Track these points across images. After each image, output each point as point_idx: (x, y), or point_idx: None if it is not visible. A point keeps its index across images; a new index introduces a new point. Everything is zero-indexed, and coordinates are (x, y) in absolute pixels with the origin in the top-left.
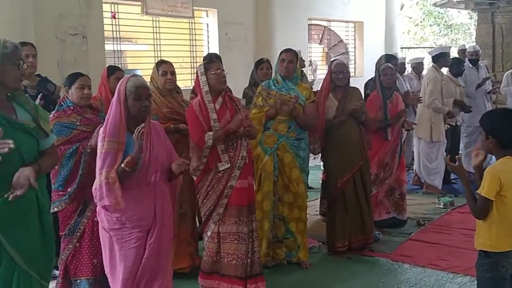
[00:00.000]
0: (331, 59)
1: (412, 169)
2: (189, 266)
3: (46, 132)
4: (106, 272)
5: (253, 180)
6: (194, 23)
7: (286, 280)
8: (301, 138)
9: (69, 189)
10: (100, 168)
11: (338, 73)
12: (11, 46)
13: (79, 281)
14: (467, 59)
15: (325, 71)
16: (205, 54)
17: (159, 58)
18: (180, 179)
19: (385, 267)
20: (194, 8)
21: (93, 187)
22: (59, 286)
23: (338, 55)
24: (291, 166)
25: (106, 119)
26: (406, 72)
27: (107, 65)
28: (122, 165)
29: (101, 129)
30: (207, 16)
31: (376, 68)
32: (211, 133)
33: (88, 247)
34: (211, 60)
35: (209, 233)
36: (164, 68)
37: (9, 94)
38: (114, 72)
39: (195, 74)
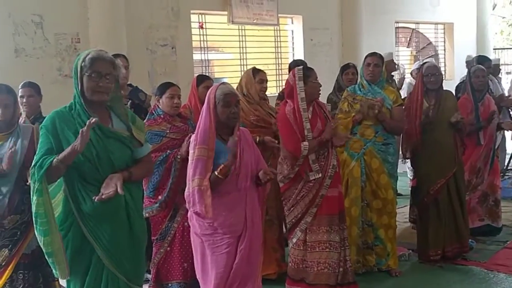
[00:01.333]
0: (421, 62)
1: (508, 175)
2: (275, 273)
3: (140, 141)
4: (197, 277)
5: (341, 187)
6: (279, 30)
7: None
8: (389, 143)
9: (159, 197)
10: (192, 174)
11: (430, 76)
12: (88, 60)
13: (170, 284)
14: None
15: (410, 75)
16: (290, 61)
17: (245, 66)
18: (267, 186)
19: (480, 276)
20: (279, 15)
21: (186, 193)
22: None
23: (427, 57)
24: (379, 171)
25: (197, 127)
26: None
27: (196, 75)
28: (216, 173)
29: (192, 136)
30: (292, 22)
31: (467, 69)
32: (306, 143)
33: (178, 251)
34: (309, 68)
35: (294, 240)
36: (261, 76)
37: (108, 104)
38: (203, 81)
39: (282, 80)
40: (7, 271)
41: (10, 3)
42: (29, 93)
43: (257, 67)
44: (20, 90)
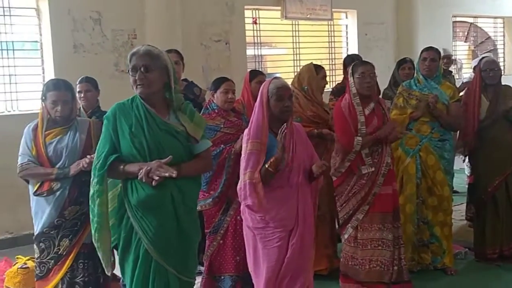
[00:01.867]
0: (479, 57)
1: None
2: (326, 268)
3: (195, 137)
4: (249, 270)
5: (396, 185)
6: (333, 25)
7: (432, 286)
8: (446, 139)
9: (212, 192)
10: (244, 168)
11: (489, 71)
12: (129, 56)
13: (223, 277)
14: None
15: (471, 70)
16: (344, 56)
17: (298, 62)
18: (320, 181)
19: None
20: (333, 10)
21: (238, 187)
22: (204, 281)
23: (486, 52)
24: (435, 168)
25: (250, 122)
26: None
27: (249, 70)
28: (266, 166)
29: (245, 131)
30: (346, 17)
31: None
32: (360, 138)
33: (231, 244)
34: (361, 63)
35: (346, 236)
36: (324, 72)
37: (167, 96)
38: (256, 76)
39: (336, 75)
40: (68, 261)
41: (69, 1)
42: (86, 87)
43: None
44: (78, 85)
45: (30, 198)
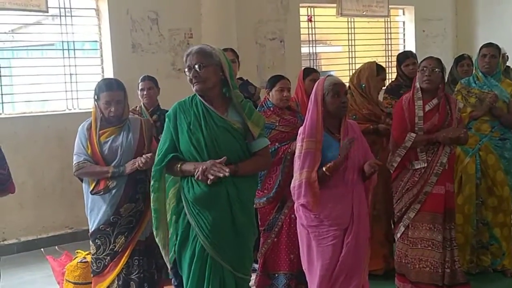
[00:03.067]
0: None
1: None
2: (382, 268)
3: (253, 135)
4: (303, 268)
5: (452, 186)
6: (390, 21)
7: None
8: (506, 138)
9: (265, 191)
10: (300, 167)
11: None
12: (184, 56)
13: (277, 275)
14: None
15: None
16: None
17: (353, 59)
18: (374, 180)
19: None
20: (389, 6)
21: (292, 185)
22: (258, 278)
23: None
24: (495, 168)
25: (305, 120)
26: None
27: (303, 68)
28: (324, 169)
29: (300, 129)
30: (403, 14)
31: None
32: (413, 134)
33: (285, 242)
34: (426, 58)
35: (398, 235)
36: (384, 74)
37: (227, 94)
38: (310, 74)
39: (392, 73)
40: (124, 257)
41: (128, 1)
42: (149, 85)
43: (366, 59)
44: (140, 83)
45: (84, 196)
